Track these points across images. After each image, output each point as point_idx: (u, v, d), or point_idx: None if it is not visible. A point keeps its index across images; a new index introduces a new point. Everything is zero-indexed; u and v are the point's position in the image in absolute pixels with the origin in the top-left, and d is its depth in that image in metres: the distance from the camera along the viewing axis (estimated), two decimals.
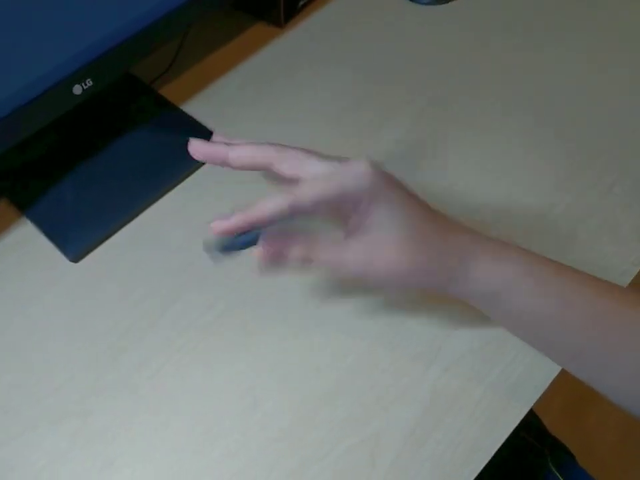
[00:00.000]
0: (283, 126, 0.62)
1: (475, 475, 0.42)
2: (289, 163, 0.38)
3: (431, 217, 0.39)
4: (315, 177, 0.37)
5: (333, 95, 0.64)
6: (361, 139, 0.60)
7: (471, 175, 0.57)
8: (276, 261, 0.38)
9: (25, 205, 0.56)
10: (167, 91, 0.65)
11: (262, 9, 0.71)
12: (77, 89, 0.50)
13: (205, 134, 0.60)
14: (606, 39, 0.68)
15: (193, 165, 0.58)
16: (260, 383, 0.46)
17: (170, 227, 0.55)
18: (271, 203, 0.36)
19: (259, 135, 0.60)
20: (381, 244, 0.37)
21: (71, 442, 0.44)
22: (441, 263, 0.38)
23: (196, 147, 0.40)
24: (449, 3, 0.72)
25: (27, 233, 0.55)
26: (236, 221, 0.37)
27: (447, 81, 0.65)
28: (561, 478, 0.62)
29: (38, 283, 0.52)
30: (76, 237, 0.53)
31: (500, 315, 0.40)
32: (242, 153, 0.39)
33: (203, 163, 0.59)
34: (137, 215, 0.56)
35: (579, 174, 0.57)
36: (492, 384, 0.46)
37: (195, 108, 0.63)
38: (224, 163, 0.39)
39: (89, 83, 0.50)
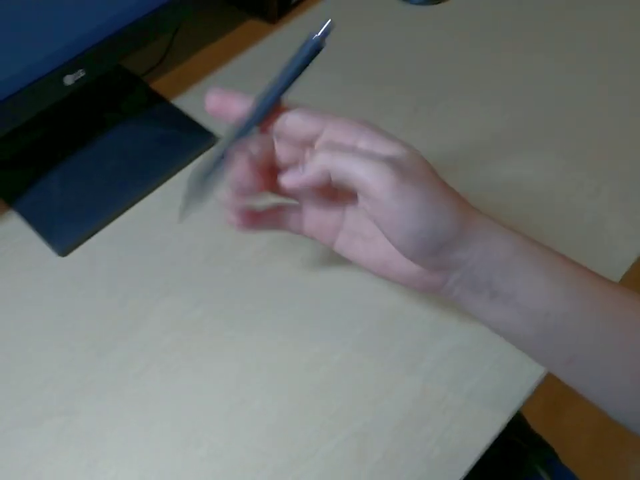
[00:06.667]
0: None
1: (465, 470, 0.42)
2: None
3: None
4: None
5: (323, 94, 0.64)
6: None
7: (461, 176, 0.58)
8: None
9: (12, 197, 0.55)
10: (158, 85, 0.64)
11: (255, 5, 0.71)
12: (69, 80, 0.49)
13: (196, 129, 0.60)
14: (594, 42, 0.68)
15: (184, 160, 0.58)
16: (247, 381, 0.46)
17: (159, 223, 0.55)
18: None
19: None
20: None
21: (54, 442, 0.44)
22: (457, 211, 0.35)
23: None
24: (440, 4, 0.73)
25: (13, 226, 0.54)
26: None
27: (437, 82, 0.65)
28: (546, 476, 0.62)
29: (24, 276, 0.51)
30: (64, 230, 0.53)
31: (499, 308, 0.37)
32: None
33: (194, 158, 0.58)
34: (126, 209, 0.55)
35: (567, 175, 0.58)
36: (481, 380, 0.46)
37: (186, 102, 0.63)
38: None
39: (81, 73, 0.49)
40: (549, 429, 0.68)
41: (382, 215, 0.34)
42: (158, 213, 0.55)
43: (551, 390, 0.88)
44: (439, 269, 0.36)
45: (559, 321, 0.35)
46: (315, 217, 0.41)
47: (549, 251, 0.37)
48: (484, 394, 0.45)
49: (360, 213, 0.39)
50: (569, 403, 1.04)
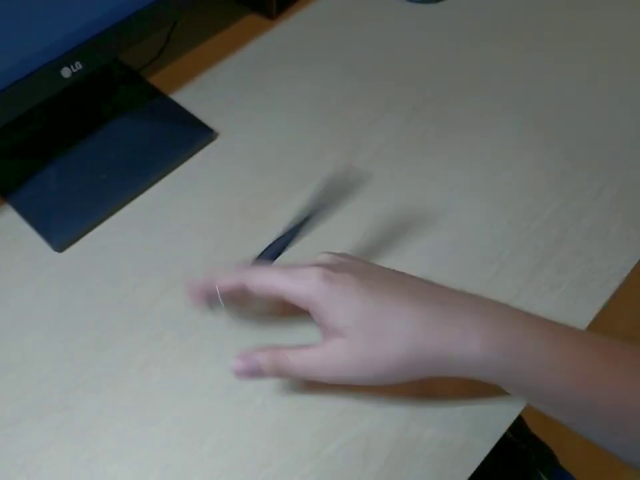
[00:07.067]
0: (273, 119, 0.61)
1: (469, 473, 0.42)
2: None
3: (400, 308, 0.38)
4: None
5: (324, 90, 0.64)
6: (352, 136, 0.60)
7: (460, 175, 0.57)
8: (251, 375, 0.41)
9: (7, 191, 0.54)
10: (156, 79, 0.63)
11: (254, 0, 0.70)
12: (66, 72, 0.48)
13: (194, 123, 0.59)
14: (594, 42, 0.68)
15: (182, 154, 0.57)
16: (251, 380, 0.45)
17: (158, 218, 0.54)
18: (225, 278, 0.41)
19: (248, 128, 0.60)
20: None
21: (54, 437, 0.43)
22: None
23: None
24: (440, 3, 0.72)
25: (9, 221, 0.53)
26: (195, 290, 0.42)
27: (438, 80, 0.64)
28: (545, 478, 0.62)
29: (20, 272, 0.50)
30: (61, 225, 0.52)
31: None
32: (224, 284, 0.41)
33: (193, 153, 0.58)
34: (124, 204, 0.54)
35: (569, 177, 0.57)
36: (485, 382, 0.45)
37: (183, 97, 0.62)
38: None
39: (79, 66, 0.48)
40: (548, 430, 0.67)
41: None
42: (157, 208, 0.54)
43: None
44: None
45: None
46: None
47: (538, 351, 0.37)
48: (488, 396, 0.45)
49: None
50: None
